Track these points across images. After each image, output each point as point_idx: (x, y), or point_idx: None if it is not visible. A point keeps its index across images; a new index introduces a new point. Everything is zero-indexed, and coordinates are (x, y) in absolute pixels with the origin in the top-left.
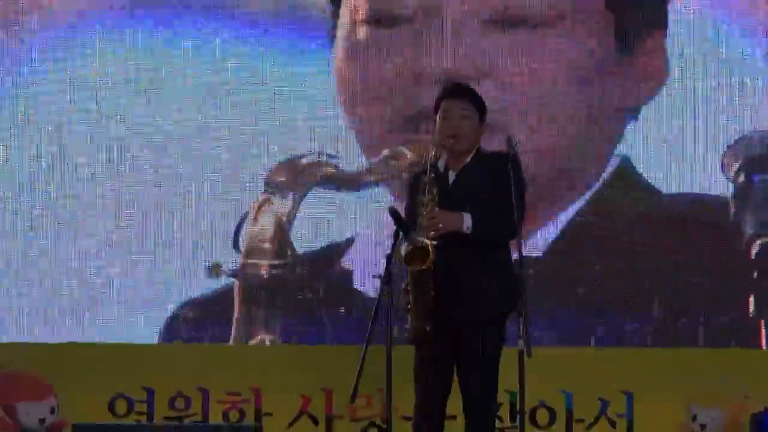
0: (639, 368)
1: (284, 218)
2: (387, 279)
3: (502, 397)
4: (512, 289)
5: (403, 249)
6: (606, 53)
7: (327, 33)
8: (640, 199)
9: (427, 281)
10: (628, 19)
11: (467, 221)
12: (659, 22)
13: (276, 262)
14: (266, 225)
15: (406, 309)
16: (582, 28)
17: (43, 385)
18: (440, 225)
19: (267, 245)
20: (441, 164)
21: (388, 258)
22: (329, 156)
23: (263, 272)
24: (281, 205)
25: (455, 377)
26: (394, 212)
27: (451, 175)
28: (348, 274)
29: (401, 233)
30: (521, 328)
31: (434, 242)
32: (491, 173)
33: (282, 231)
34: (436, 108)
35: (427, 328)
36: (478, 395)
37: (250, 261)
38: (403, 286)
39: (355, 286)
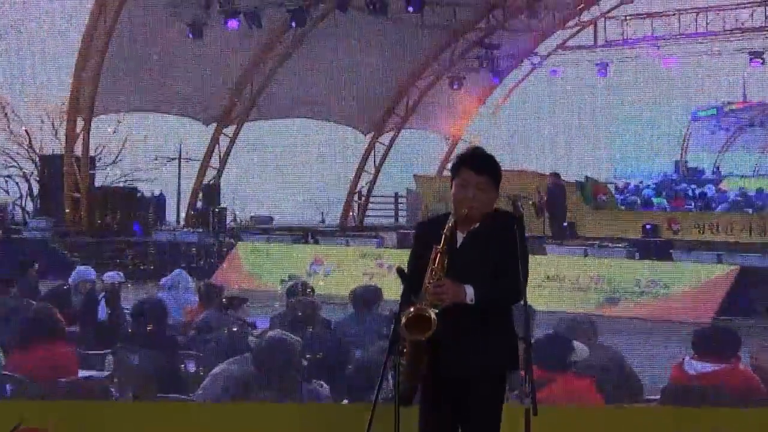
0: (650, 427)
1: None
2: (394, 338)
3: None
4: (514, 347)
5: (405, 315)
6: None
7: None
8: None
9: (423, 345)
10: None
11: (470, 293)
12: None
13: None
14: None
15: (396, 368)
16: None
17: None
18: (445, 297)
19: None
20: (450, 225)
21: (396, 318)
22: None
23: None
24: None
25: None
26: (401, 273)
27: (459, 237)
28: None
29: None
30: (527, 386)
31: (436, 310)
32: (498, 235)
33: None
34: (455, 170)
35: (414, 390)
36: None
37: None
38: (398, 348)
39: None
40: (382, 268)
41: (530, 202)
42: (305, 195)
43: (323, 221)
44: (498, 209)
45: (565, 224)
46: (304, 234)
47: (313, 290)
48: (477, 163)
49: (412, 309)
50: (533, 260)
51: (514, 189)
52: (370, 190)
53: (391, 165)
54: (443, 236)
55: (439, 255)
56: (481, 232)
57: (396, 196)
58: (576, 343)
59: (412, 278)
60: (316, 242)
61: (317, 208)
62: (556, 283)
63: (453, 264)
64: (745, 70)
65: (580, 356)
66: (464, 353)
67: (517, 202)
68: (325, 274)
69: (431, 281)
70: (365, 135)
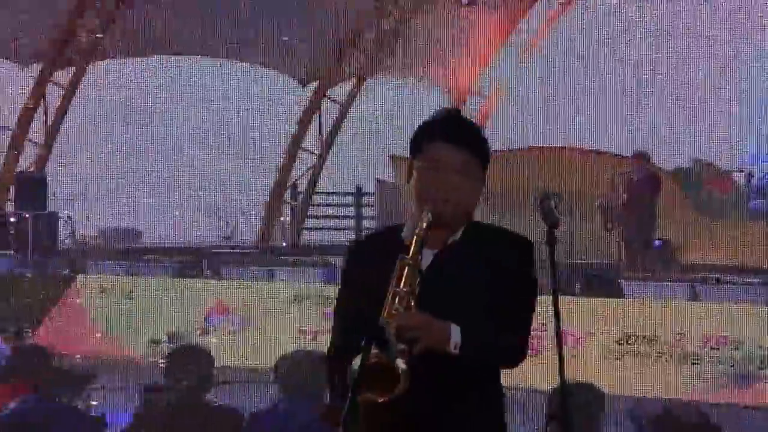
0: None
1: None
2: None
3: None
4: None
5: (358, 365)
6: None
7: None
8: None
9: (382, 415)
10: None
11: (455, 337)
12: None
13: None
14: None
15: None
16: None
17: None
18: (419, 336)
19: None
20: (405, 234)
21: (335, 366)
22: None
23: None
24: None
25: None
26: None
27: (427, 255)
28: None
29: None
30: None
31: (404, 360)
32: (492, 261)
33: None
34: (416, 147)
35: None
36: None
37: None
38: (343, 411)
39: None
40: (331, 319)
41: (596, 204)
42: (198, 194)
43: (229, 238)
44: (499, 228)
45: (658, 242)
46: (197, 260)
47: (210, 359)
48: (454, 133)
49: (369, 356)
50: (597, 306)
51: (559, 181)
52: (313, 183)
53: (350, 139)
54: (413, 241)
55: (406, 270)
56: (461, 248)
57: (358, 191)
58: None
59: (351, 323)
60: (217, 275)
61: (219, 217)
62: (643, 347)
63: (419, 296)
64: None
65: None
66: None
67: (549, 202)
68: (233, 330)
69: (394, 314)
70: (304, 86)
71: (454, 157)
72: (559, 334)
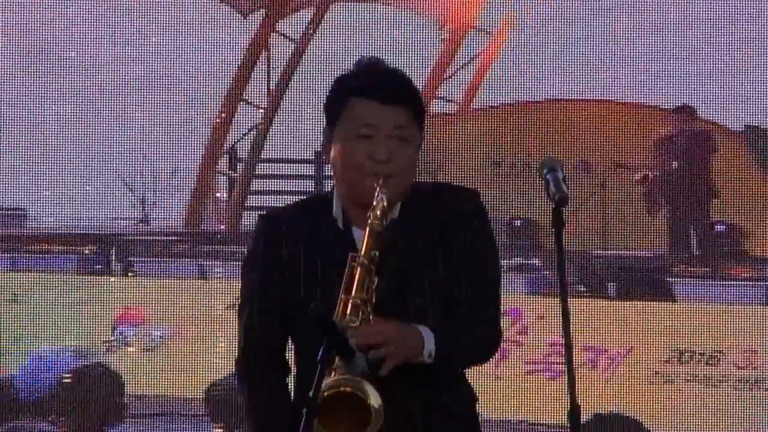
0: None
1: None
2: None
3: None
4: None
5: (324, 390)
6: None
7: None
8: None
9: None
10: None
11: (429, 344)
12: None
13: None
14: None
15: None
16: None
17: None
18: (390, 353)
19: None
20: (337, 214)
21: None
22: None
23: None
24: None
25: None
26: (322, 321)
27: (357, 236)
28: None
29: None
30: None
31: (380, 374)
32: (442, 232)
33: None
34: (335, 115)
35: None
36: None
37: None
38: None
39: None
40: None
41: (636, 178)
42: (104, 161)
43: (146, 220)
44: (439, 186)
45: (721, 227)
46: (102, 251)
47: (119, 383)
48: (385, 89)
49: (332, 381)
50: (639, 313)
51: (585, 144)
52: (257, 147)
53: (308, 87)
54: (366, 234)
55: (359, 274)
56: (405, 227)
57: (318, 158)
58: None
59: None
60: (130, 270)
61: (132, 192)
62: (701, 369)
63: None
64: None
65: None
66: None
67: (555, 173)
68: (151, 344)
69: (351, 328)
70: (245, 17)
71: (392, 119)
72: (569, 345)
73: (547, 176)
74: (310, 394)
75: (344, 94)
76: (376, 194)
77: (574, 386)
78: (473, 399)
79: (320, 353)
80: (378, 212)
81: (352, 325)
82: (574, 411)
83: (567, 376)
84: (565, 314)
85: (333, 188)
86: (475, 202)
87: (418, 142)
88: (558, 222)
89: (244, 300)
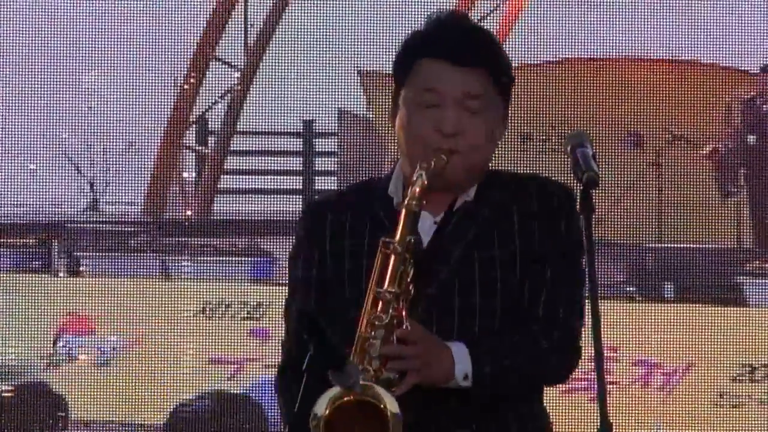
0: None
1: None
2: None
3: None
4: None
5: (324, 403)
6: None
7: None
8: None
9: None
10: None
11: (463, 365)
12: None
13: None
14: None
15: None
16: None
17: None
18: (417, 367)
19: None
20: (395, 192)
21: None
22: None
23: None
24: None
25: None
26: (310, 323)
27: (427, 223)
28: None
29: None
30: None
31: (395, 392)
32: (524, 214)
33: None
34: (403, 74)
35: None
36: None
37: None
38: None
39: None
40: (263, 341)
41: (703, 153)
42: (45, 136)
43: (95, 207)
44: (528, 176)
45: None
46: (42, 244)
47: (61, 405)
48: (460, 48)
49: (344, 389)
50: (703, 320)
51: (635, 112)
52: (233, 117)
53: (292, 45)
54: (402, 217)
55: (392, 262)
56: (479, 212)
57: (307, 129)
58: None
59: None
60: (76, 268)
61: (79, 172)
62: None
63: (417, 288)
64: None
65: None
66: None
67: (584, 149)
68: (102, 358)
69: (376, 327)
70: None
71: (461, 83)
72: (599, 351)
73: (576, 152)
74: (295, 409)
75: (412, 52)
76: (418, 172)
77: (605, 400)
78: (547, 428)
79: (306, 360)
80: (417, 190)
81: (377, 324)
82: (606, 430)
83: (597, 388)
84: (596, 316)
85: (393, 169)
86: (567, 194)
87: (498, 112)
88: (587, 207)
89: (289, 304)
